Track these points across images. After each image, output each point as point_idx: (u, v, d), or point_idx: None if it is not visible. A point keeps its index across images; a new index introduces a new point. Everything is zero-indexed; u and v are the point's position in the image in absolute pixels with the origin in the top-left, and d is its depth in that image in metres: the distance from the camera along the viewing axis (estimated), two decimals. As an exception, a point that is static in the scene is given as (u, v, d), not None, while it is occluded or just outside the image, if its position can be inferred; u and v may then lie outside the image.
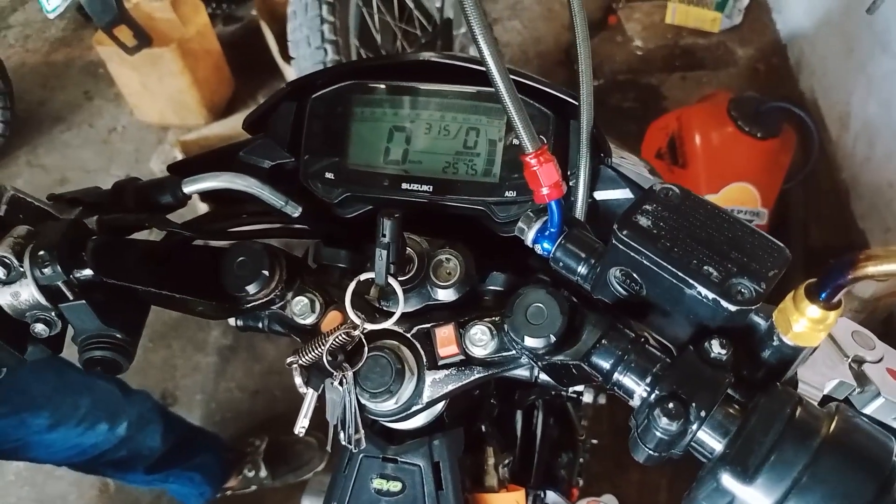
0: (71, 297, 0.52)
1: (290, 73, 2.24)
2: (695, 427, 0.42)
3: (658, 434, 0.42)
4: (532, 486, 0.95)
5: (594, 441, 1.38)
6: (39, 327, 0.54)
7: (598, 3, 2.91)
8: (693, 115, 2.10)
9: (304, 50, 1.75)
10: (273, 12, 2.57)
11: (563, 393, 1.02)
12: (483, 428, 0.83)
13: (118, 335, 0.54)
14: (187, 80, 2.59)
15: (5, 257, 0.51)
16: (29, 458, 1.47)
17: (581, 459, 1.27)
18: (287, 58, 1.87)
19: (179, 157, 2.48)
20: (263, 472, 1.93)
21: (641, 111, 2.56)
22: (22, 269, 0.51)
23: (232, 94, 2.84)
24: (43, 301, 0.52)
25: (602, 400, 1.14)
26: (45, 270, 0.51)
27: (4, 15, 3.45)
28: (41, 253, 0.51)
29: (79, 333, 0.54)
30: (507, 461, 0.80)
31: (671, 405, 0.41)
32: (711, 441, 0.42)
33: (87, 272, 0.52)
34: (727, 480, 0.39)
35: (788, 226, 2.20)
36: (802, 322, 0.42)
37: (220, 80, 2.79)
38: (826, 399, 0.50)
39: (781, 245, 0.45)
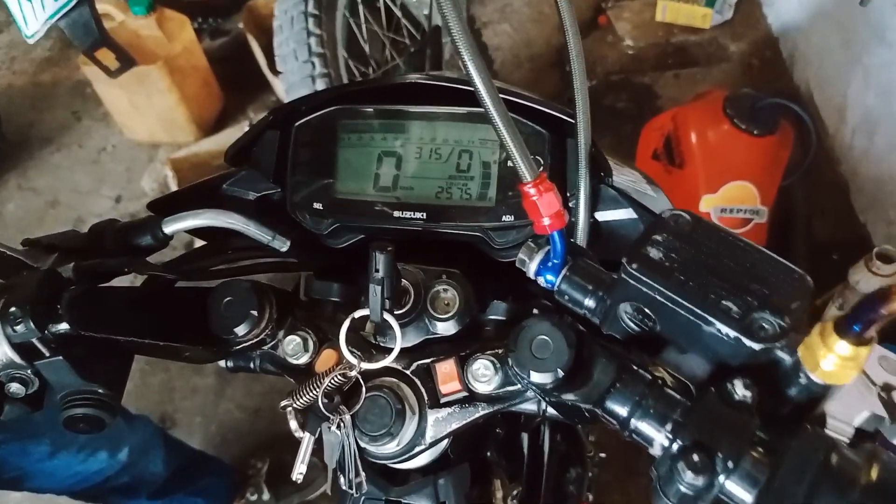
0: (47, 354, 0.49)
1: (279, 85, 2.21)
2: (722, 479, 0.38)
3: (682, 489, 0.38)
4: (541, 508, 0.92)
5: (602, 455, 1.35)
6: (14, 387, 0.50)
7: (587, 3, 2.88)
8: (688, 114, 2.07)
9: (292, 64, 1.72)
10: (260, 24, 2.55)
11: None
12: (489, 455, 0.80)
13: (100, 390, 0.51)
14: (175, 98, 2.56)
15: (-26, 316, 0.48)
16: (31, 488, 1.45)
17: (590, 474, 1.25)
18: (276, 70, 1.84)
19: (170, 175, 2.45)
20: (266, 495, 1.90)
21: (636, 111, 2.53)
22: (-7, 327, 0.48)
23: (221, 109, 2.80)
24: (17, 359, 0.49)
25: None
26: (18, 328, 0.48)
27: (-11, 37, 3.43)
28: (12, 310, 0.47)
29: (58, 390, 0.51)
30: (515, 492, 0.77)
31: (696, 457, 0.38)
32: (740, 493, 0.39)
33: (64, 326, 0.49)
34: None
35: (790, 222, 2.17)
36: (831, 359, 0.38)
37: (209, 96, 2.76)
38: (857, 432, 0.46)
39: (802, 272, 0.42)
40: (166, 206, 0.63)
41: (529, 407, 0.61)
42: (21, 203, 2.76)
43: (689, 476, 0.38)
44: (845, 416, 0.45)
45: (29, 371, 0.50)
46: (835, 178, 2.27)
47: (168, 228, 0.59)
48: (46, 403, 0.54)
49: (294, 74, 1.73)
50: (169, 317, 0.57)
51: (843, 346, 0.38)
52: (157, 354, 0.56)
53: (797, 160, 2.10)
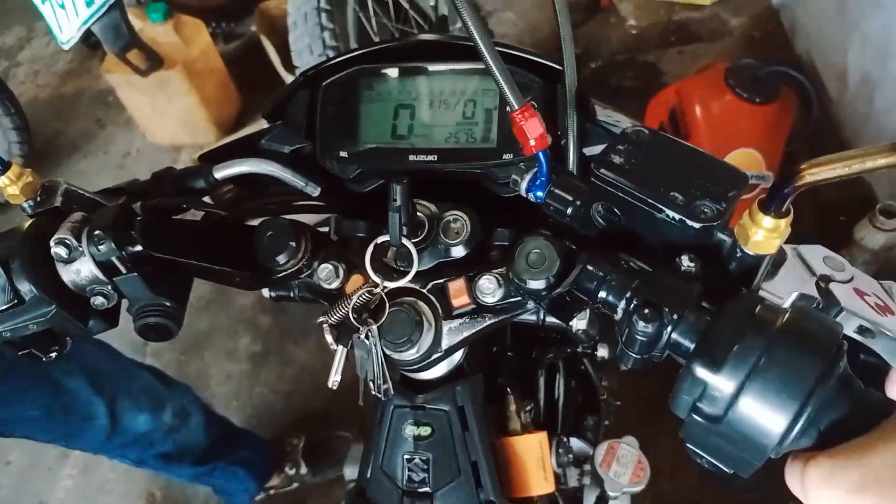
0: (124, 271, 0.59)
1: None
2: (669, 329, 0.47)
3: (638, 337, 0.48)
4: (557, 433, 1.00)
5: (618, 403, 1.42)
6: (98, 300, 0.61)
7: (590, -14, 2.96)
8: (691, 86, 2.14)
9: (307, 58, 1.82)
10: (272, 26, 2.65)
11: (580, 350, 1.08)
12: (501, 380, 0.89)
13: (167, 303, 0.61)
14: (195, 100, 2.67)
15: (66, 239, 0.58)
16: (86, 445, 1.55)
17: (606, 422, 1.32)
18: (290, 68, 1.94)
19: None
20: (304, 469, 1.99)
21: (641, 88, 2.61)
22: (80, 249, 0.59)
23: (239, 110, 2.92)
24: (100, 276, 0.59)
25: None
26: (101, 247, 0.58)
27: (13, 53, 3.56)
28: (97, 232, 0.58)
29: (132, 303, 0.61)
30: (528, 408, 0.86)
31: (647, 311, 0.47)
32: (685, 341, 0.47)
33: (138, 247, 0.59)
34: (699, 371, 0.43)
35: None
36: (759, 233, 0.48)
37: (227, 97, 2.87)
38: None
39: (741, 170, 0.51)
40: (214, 157, 0.74)
41: (529, 317, 0.71)
42: (56, 208, 2.87)
43: (641, 325, 0.47)
44: (780, 293, 0.54)
45: (109, 287, 0.60)
46: (839, 143, 2.32)
47: (219, 174, 0.70)
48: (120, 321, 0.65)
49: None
50: (222, 247, 0.67)
51: (767, 220, 0.48)
52: (212, 278, 0.66)
53: (801, 126, 2.16)
